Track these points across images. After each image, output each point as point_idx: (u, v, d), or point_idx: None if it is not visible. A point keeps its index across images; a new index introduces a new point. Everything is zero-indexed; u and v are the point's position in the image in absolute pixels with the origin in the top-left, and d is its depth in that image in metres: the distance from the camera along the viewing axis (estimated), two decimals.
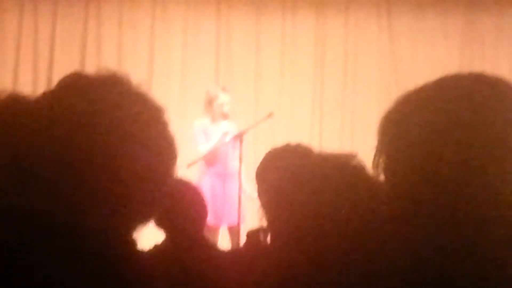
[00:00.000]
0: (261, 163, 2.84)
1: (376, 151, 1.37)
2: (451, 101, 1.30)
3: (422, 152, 1.29)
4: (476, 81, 1.35)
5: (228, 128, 7.07)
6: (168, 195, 3.25)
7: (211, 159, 7.10)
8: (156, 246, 3.27)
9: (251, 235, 2.60)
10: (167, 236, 3.32)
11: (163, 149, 1.41)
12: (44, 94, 1.39)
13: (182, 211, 3.28)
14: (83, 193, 1.32)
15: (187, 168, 6.73)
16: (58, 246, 1.25)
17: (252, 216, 6.35)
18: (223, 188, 6.85)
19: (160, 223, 3.33)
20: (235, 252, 2.92)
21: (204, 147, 7.09)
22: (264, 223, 2.51)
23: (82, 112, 1.33)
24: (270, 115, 7.24)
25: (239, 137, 6.84)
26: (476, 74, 1.37)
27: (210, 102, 7.21)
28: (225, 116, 7.12)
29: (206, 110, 7.25)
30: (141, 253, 1.84)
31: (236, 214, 6.59)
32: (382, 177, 1.38)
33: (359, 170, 1.82)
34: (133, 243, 1.40)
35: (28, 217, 1.27)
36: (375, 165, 1.37)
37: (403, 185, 1.31)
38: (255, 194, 2.96)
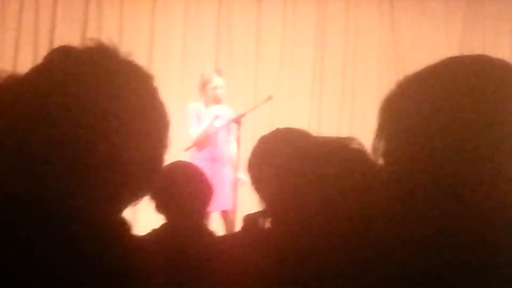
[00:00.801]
0: (254, 150, 2.81)
1: (376, 134, 1.36)
2: (452, 84, 1.29)
3: (422, 137, 1.28)
4: (478, 63, 1.34)
5: (219, 112, 7.01)
6: (173, 178, 3.26)
7: (202, 144, 7.05)
8: (154, 231, 3.25)
9: (248, 220, 2.59)
10: (167, 220, 3.30)
11: (155, 115, 1.39)
12: (31, 70, 1.37)
13: (188, 195, 3.26)
14: (75, 170, 1.30)
15: (184, 151, 6.71)
16: (49, 229, 1.24)
17: (245, 201, 6.35)
18: (214, 173, 6.80)
19: (162, 207, 3.31)
20: (234, 237, 2.91)
21: (195, 131, 7.05)
22: (262, 208, 2.50)
23: (70, 85, 1.31)
24: (269, 98, 7.23)
25: (237, 120, 6.81)
26: (477, 56, 1.36)
27: (204, 85, 7.16)
28: (217, 100, 7.05)
29: (200, 93, 7.21)
30: (137, 237, 1.83)
31: (228, 199, 6.57)
32: (381, 161, 1.37)
33: (358, 153, 1.81)
34: (127, 227, 1.38)
35: (18, 200, 1.26)
36: (375, 148, 1.36)
37: (402, 169, 1.30)
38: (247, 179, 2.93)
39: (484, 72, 1.31)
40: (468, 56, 1.37)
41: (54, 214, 1.26)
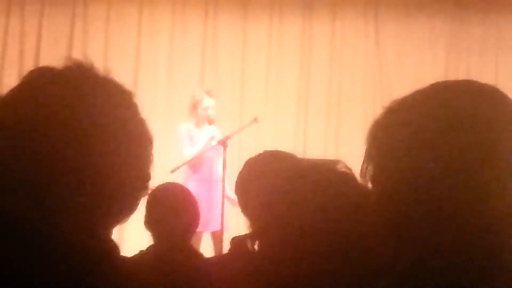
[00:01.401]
0: (241, 173, 2.82)
1: (364, 159, 1.36)
2: (441, 109, 1.29)
3: (411, 162, 1.28)
4: (467, 89, 1.34)
5: (214, 132, 7.05)
6: (162, 199, 3.27)
7: (196, 165, 7.07)
8: (141, 252, 3.25)
9: (236, 242, 2.59)
10: (154, 241, 3.32)
11: (137, 132, 1.39)
12: (9, 92, 1.36)
13: (175, 216, 3.28)
14: (58, 190, 1.29)
15: (170, 173, 6.71)
16: (33, 249, 1.23)
17: (235, 223, 6.34)
18: (208, 194, 6.81)
19: (150, 226, 3.33)
20: (221, 259, 2.91)
21: (189, 152, 7.07)
22: (250, 230, 2.50)
23: (49, 106, 1.31)
24: (254, 120, 7.24)
25: (223, 142, 6.82)
26: (466, 82, 1.36)
27: (194, 106, 7.20)
28: (210, 121, 7.10)
29: (190, 114, 7.23)
30: (124, 258, 1.82)
31: (219, 220, 6.57)
32: (369, 186, 1.37)
33: (345, 176, 1.81)
34: (114, 248, 1.38)
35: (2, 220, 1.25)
36: (363, 173, 1.36)
37: (391, 194, 1.30)
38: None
39: (474, 97, 1.31)
40: (456, 81, 1.37)
41: (38, 235, 1.25)
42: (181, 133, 7.20)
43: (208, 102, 7.16)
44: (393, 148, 1.31)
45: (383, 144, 1.33)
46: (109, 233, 1.41)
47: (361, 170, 1.36)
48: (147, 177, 1.40)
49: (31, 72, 1.38)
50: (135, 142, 1.37)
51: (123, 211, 1.39)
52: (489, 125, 1.27)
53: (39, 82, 1.36)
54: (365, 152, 1.35)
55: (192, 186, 6.83)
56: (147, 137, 1.41)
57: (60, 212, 1.29)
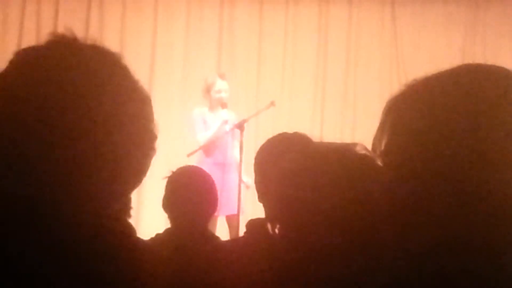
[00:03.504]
0: (260, 152, 2.81)
1: (378, 131, 1.35)
2: (464, 91, 1.29)
3: (427, 138, 1.28)
4: (493, 73, 1.34)
5: (227, 116, 7.04)
6: (181, 182, 3.28)
7: (210, 148, 7.06)
8: (158, 235, 3.26)
9: (252, 225, 2.59)
10: (172, 223, 3.32)
11: (131, 93, 1.37)
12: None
13: (194, 199, 3.28)
14: (62, 165, 1.28)
15: (187, 157, 6.71)
16: (43, 235, 1.23)
17: (250, 207, 6.34)
18: (222, 178, 6.79)
19: (168, 209, 3.34)
20: (237, 243, 2.91)
21: (203, 136, 7.06)
22: (266, 213, 2.50)
23: (38, 83, 1.29)
24: (271, 104, 7.22)
25: (240, 126, 6.81)
26: (493, 66, 1.35)
27: (208, 90, 7.19)
28: (223, 105, 7.09)
29: (204, 97, 7.23)
30: (141, 241, 1.83)
31: (234, 204, 6.57)
32: (380, 159, 1.36)
33: (365, 158, 1.81)
34: (131, 230, 1.38)
35: (8, 203, 1.24)
36: (375, 146, 1.36)
37: (401, 169, 1.30)
38: (252, 183, 2.93)
39: (499, 82, 1.31)
40: (482, 64, 1.37)
41: (51, 217, 1.25)
42: (195, 117, 7.20)
43: (220, 85, 7.15)
44: (408, 123, 1.31)
45: (399, 119, 1.33)
46: (126, 200, 1.40)
47: (373, 143, 1.36)
48: (152, 137, 1.39)
49: (16, 54, 1.36)
50: (131, 103, 1.35)
51: (135, 174, 1.38)
52: (509, 110, 1.27)
53: (25, 62, 1.34)
54: (379, 125, 1.35)
55: (205, 170, 6.84)
56: (143, 96, 1.38)
57: (70, 190, 1.28)
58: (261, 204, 2.61)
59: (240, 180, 6.60)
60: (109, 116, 1.31)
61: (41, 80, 1.30)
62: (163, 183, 3.43)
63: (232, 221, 6.79)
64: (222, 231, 6.69)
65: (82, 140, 1.29)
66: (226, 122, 6.98)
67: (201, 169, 3.74)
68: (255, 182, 2.77)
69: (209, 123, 7.11)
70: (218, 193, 6.61)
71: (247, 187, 6.56)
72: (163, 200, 3.38)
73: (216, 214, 6.68)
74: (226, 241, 3.43)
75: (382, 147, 1.35)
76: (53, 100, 1.29)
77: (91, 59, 1.35)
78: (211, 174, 6.80)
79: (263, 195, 2.66)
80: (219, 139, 7.00)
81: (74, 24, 9.03)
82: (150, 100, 1.40)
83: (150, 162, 1.40)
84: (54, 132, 1.28)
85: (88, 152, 1.29)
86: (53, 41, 1.38)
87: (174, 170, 3.44)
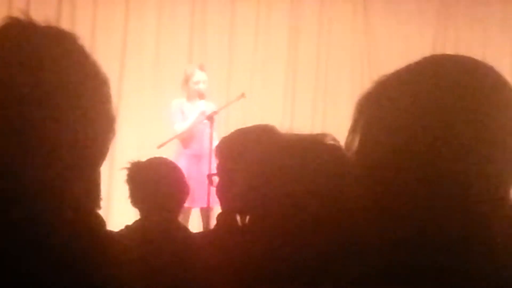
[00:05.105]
0: (226, 141, 2.81)
1: (350, 131, 1.35)
2: (434, 82, 1.29)
3: (398, 135, 1.28)
4: (461, 63, 1.34)
5: (205, 107, 7.02)
6: (150, 173, 3.25)
7: (187, 140, 7.06)
8: (127, 227, 3.25)
9: (222, 218, 2.59)
10: (141, 215, 3.30)
11: (88, 73, 1.34)
12: None
13: (163, 190, 3.26)
14: (23, 152, 1.26)
15: (157, 148, 6.70)
16: (16, 228, 1.22)
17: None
18: (198, 169, 6.77)
19: (136, 201, 3.32)
20: (207, 234, 2.91)
21: (179, 126, 7.05)
22: (224, 206, 2.50)
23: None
24: (242, 95, 7.23)
25: (210, 117, 6.80)
26: (461, 56, 1.35)
27: (186, 81, 7.21)
28: (201, 95, 7.08)
29: (182, 88, 7.23)
30: (111, 233, 1.82)
31: (211, 196, 6.55)
32: (354, 156, 1.36)
33: (334, 148, 1.81)
34: (100, 223, 1.37)
35: None
36: (348, 145, 1.36)
37: (375, 167, 1.30)
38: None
39: (468, 71, 1.31)
40: (451, 55, 1.36)
41: (18, 209, 1.22)
42: (173, 108, 7.21)
43: (199, 76, 7.16)
44: (380, 120, 1.30)
45: (371, 117, 1.33)
46: (94, 185, 1.39)
47: (346, 142, 1.36)
48: (111, 118, 1.36)
49: None
50: (88, 84, 1.32)
51: (95, 155, 1.34)
52: (480, 101, 1.27)
53: None
54: (352, 124, 1.35)
55: (183, 161, 6.83)
56: (100, 77, 1.35)
57: (34, 179, 1.26)
58: None
59: (210, 172, 6.58)
60: (66, 96, 1.29)
61: None
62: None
63: (205, 213, 6.77)
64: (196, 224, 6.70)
65: (38, 121, 1.26)
66: (204, 113, 6.96)
67: (165, 159, 3.71)
68: (218, 174, 2.77)
69: (186, 113, 7.11)
70: (194, 185, 6.57)
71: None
72: (131, 197, 3.34)
73: (190, 206, 6.69)
74: (196, 233, 3.42)
75: (355, 146, 1.34)
76: (9, 82, 1.27)
77: (46, 40, 1.34)
78: (188, 165, 6.83)
79: (226, 188, 2.65)
80: (196, 130, 6.97)
81: (45, 14, 8.93)
82: (108, 81, 1.37)
83: (109, 144, 1.36)
84: (9, 115, 1.26)
85: (45, 133, 1.27)
86: (7, 24, 1.35)
87: (132, 161, 3.38)
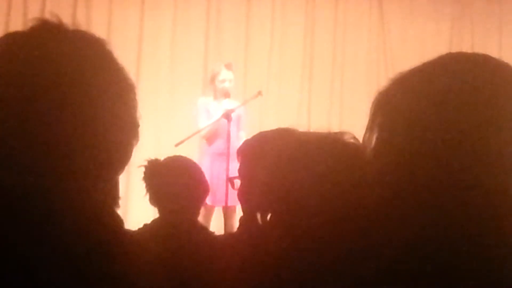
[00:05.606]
0: (248, 143, 2.81)
1: (367, 128, 1.35)
2: (452, 81, 1.28)
3: (417, 131, 1.27)
4: (479, 61, 1.33)
5: (230, 106, 7.00)
6: (170, 172, 3.23)
7: (212, 138, 7.07)
8: (146, 226, 3.24)
9: (244, 220, 2.59)
10: (160, 214, 3.29)
11: (115, 80, 1.36)
12: None
13: (180, 189, 3.24)
14: (48, 155, 1.27)
15: (175, 146, 6.69)
16: (37, 228, 1.22)
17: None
18: (222, 167, 6.71)
19: (156, 200, 3.30)
20: (228, 236, 2.91)
21: (203, 124, 7.06)
22: (246, 208, 2.50)
23: (21, 69, 1.28)
24: (258, 93, 7.21)
25: (227, 116, 6.79)
26: (478, 54, 1.35)
27: (212, 79, 7.25)
28: (226, 94, 7.09)
29: (209, 87, 7.28)
30: (129, 232, 1.82)
31: (233, 195, 6.50)
32: (371, 154, 1.36)
33: (353, 146, 1.81)
34: (119, 222, 1.37)
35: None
36: (365, 142, 1.35)
37: (393, 165, 1.30)
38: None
39: (486, 70, 1.30)
40: (469, 53, 1.36)
41: (40, 209, 1.23)
42: (198, 106, 7.24)
43: (225, 74, 7.18)
44: (397, 118, 1.30)
45: (388, 114, 1.33)
46: (115, 190, 1.40)
47: (363, 140, 1.36)
48: (136, 124, 1.37)
49: (0, 39, 1.35)
50: (116, 89, 1.34)
51: (118, 160, 1.36)
52: (497, 98, 1.27)
53: (9, 46, 1.33)
54: (368, 122, 1.35)
55: (207, 160, 6.83)
56: (127, 83, 1.37)
57: (55, 176, 1.27)
58: None
59: (228, 171, 6.56)
60: (93, 101, 1.30)
61: (25, 65, 1.29)
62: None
63: (228, 212, 6.74)
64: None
65: (66, 125, 1.28)
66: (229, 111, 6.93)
67: (184, 157, 3.70)
68: (240, 177, 2.77)
69: (211, 112, 7.10)
70: (216, 183, 6.49)
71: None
72: (148, 194, 3.32)
73: (212, 204, 6.67)
74: (217, 235, 3.40)
75: (372, 145, 1.34)
76: (38, 85, 1.28)
77: (75, 44, 1.35)
78: (211, 163, 6.81)
79: (248, 190, 2.65)
80: (220, 129, 6.95)
81: (60, 16, 8.95)
82: (135, 88, 1.39)
83: (132, 149, 1.38)
84: (38, 117, 1.27)
85: (72, 137, 1.28)
86: (38, 26, 1.36)
87: (150, 159, 3.37)
